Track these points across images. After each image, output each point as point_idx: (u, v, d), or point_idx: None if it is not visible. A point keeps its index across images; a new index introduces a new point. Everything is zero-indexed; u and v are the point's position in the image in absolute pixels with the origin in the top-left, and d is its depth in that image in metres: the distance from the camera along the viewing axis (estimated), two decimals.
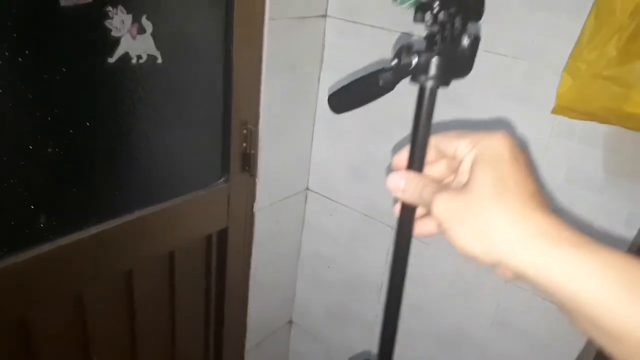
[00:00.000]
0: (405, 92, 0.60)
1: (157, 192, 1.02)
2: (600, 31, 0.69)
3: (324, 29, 1.23)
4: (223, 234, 1.19)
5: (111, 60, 0.84)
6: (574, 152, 0.94)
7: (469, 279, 1.16)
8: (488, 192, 0.37)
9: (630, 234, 0.89)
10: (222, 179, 1.13)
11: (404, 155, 0.45)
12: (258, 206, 1.25)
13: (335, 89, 0.56)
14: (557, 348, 1.06)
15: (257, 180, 1.20)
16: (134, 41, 0.86)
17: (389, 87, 0.54)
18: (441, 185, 0.41)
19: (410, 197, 0.43)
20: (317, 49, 1.24)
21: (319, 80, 1.28)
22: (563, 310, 0.36)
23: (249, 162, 1.15)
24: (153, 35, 0.89)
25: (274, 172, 1.25)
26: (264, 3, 1.04)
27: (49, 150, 0.82)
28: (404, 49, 0.51)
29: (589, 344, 0.89)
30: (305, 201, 1.43)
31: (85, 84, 0.83)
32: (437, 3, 0.45)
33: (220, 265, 1.22)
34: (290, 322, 1.60)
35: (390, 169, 0.46)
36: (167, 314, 1.16)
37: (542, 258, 0.34)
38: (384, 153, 1.23)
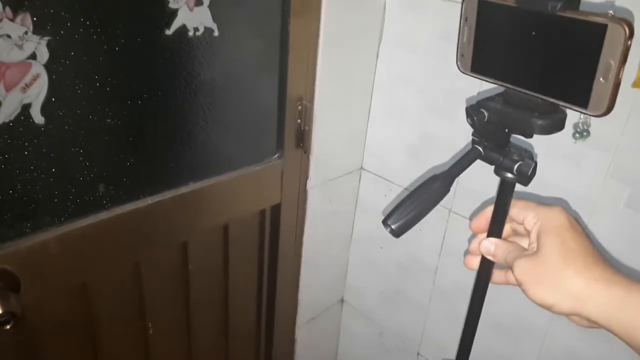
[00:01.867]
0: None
1: (212, 165, 1.03)
2: None
3: (385, 1, 1.18)
4: (276, 210, 1.19)
5: (168, 32, 0.85)
6: None
7: None
8: (556, 255, 0.48)
9: None
10: (276, 155, 1.13)
11: (481, 221, 0.60)
12: (311, 184, 1.24)
13: (390, 211, 0.56)
14: None
15: (310, 157, 1.19)
16: (191, 13, 0.86)
17: (446, 192, 0.58)
18: (520, 252, 0.53)
19: (497, 259, 0.57)
20: (376, 22, 1.20)
21: (377, 55, 1.24)
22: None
23: (303, 139, 1.14)
24: (210, 7, 0.88)
25: (328, 149, 1.24)
26: None
27: (108, 121, 0.84)
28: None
29: None
30: (359, 180, 1.40)
31: (143, 56, 0.84)
32: None
33: (273, 240, 1.23)
34: (342, 300, 1.59)
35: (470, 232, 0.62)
36: (220, 287, 1.18)
37: (602, 296, 0.45)
38: (442, 132, 1.18)
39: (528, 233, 0.54)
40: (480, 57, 0.56)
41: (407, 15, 1.16)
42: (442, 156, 1.20)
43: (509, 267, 0.53)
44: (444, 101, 1.15)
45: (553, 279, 0.47)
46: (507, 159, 0.57)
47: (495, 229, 0.59)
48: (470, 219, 0.58)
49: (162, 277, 1.04)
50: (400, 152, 1.28)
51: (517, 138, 0.58)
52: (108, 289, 0.96)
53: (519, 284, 0.51)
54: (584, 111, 0.47)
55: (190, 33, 0.88)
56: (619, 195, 0.93)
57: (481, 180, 1.12)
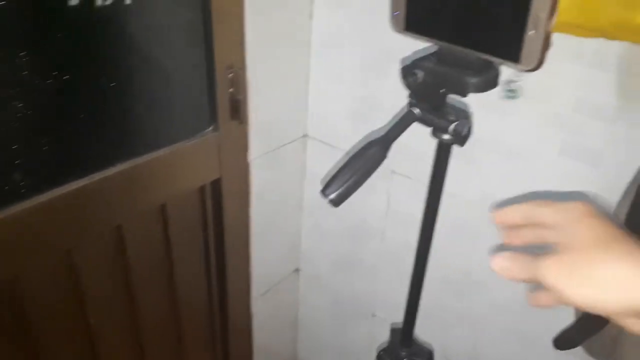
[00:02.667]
0: None
1: (141, 143, 0.98)
2: None
3: None
4: (217, 185, 1.15)
5: (72, 2, 0.78)
6: (583, 78, 0.85)
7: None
8: (591, 244, 0.41)
9: None
10: (210, 128, 1.08)
11: (511, 216, 0.48)
12: (252, 155, 1.20)
13: (327, 180, 0.54)
14: None
15: (249, 127, 1.15)
16: None
17: (383, 158, 0.55)
18: (541, 256, 0.45)
19: (518, 275, 0.45)
20: None
21: (311, 15, 1.20)
22: None
23: (238, 109, 1.09)
24: None
25: (267, 118, 1.20)
26: None
27: (18, 104, 0.78)
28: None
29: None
30: (305, 148, 1.38)
31: (47, 31, 0.77)
32: None
33: (217, 216, 1.19)
34: (297, 270, 1.59)
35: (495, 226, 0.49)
36: (165, 269, 1.14)
37: None
38: (385, 94, 1.15)
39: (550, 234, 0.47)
40: (413, 15, 0.54)
41: None
42: (386, 117, 1.18)
43: (536, 277, 0.43)
44: (385, 60, 1.12)
45: (592, 271, 0.39)
46: (443, 120, 0.56)
47: (433, 192, 0.58)
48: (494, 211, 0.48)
49: (99, 264, 0.99)
50: (344, 117, 1.26)
51: (454, 100, 0.56)
52: (40, 283, 0.91)
53: (553, 289, 0.42)
54: (516, 65, 0.46)
55: (98, 2, 0.81)
56: (553, 143, 0.94)
57: (423, 139, 1.11)
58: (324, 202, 1.40)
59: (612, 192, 0.88)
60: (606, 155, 0.88)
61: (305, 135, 1.35)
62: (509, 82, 0.87)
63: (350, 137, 1.26)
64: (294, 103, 1.28)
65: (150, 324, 1.15)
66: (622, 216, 0.64)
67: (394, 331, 0.87)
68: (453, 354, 1.28)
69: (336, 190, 0.53)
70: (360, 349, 1.52)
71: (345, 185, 0.53)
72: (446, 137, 0.55)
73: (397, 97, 1.13)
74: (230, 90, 1.07)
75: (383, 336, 1.44)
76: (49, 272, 0.92)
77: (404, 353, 0.84)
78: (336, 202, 0.54)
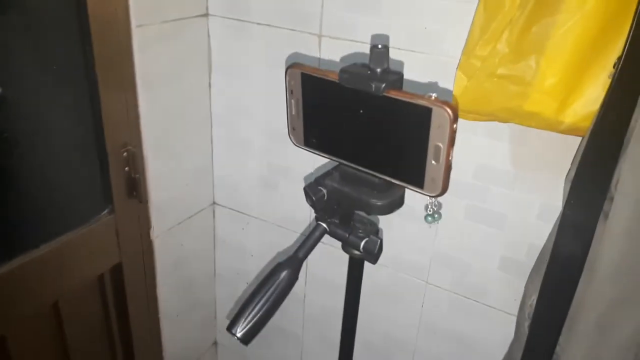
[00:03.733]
0: None
1: (24, 239, 0.87)
2: (490, 25, 0.62)
3: (208, 30, 1.10)
4: (117, 271, 1.05)
5: None
6: (480, 148, 0.88)
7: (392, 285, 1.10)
8: None
9: (544, 226, 0.85)
10: (105, 210, 0.99)
11: None
12: (156, 233, 1.12)
13: (234, 315, 0.49)
14: (483, 346, 1.03)
15: (149, 205, 1.07)
16: None
17: (294, 280, 0.52)
18: None
19: None
20: (202, 52, 1.11)
21: (210, 85, 1.16)
22: None
23: (136, 187, 1.02)
24: None
25: (169, 192, 1.13)
26: (128, 8, 0.89)
27: None
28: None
29: (516, 338, 0.85)
30: (214, 217, 1.31)
31: None
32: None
33: (120, 304, 1.09)
34: (216, 343, 1.49)
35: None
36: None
37: None
38: (291, 161, 1.13)
39: None
40: (311, 131, 0.52)
41: (232, 43, 1.09)
42: (294, 183, 1.15)
43: None
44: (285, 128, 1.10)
45: None
46: (352, 235, 0.53)
47: (350, 306, 0.55)
48: None
49: None
50: (252, 183, 1.21)
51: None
52: None
53: None
54: (420, 191, 0.44)
55: None
56: (457, 208, 0.95)
57: None
58: (237, 269, 1.35)
59: (518, 252, 0.91)
60: (508, 218, 0.91)
61: (213, 203, 1.29)
62: (426, 206, 0.87)
63: (259, 203, 1.22)
64: (198, 173, 1.22)
65: None
66: (534, 295, 0.65)
67: None
68: None
69: (245, 326, 0.48)
70: None
71: (254, 320, 0.48)
72: (357, 253, 0.53)
73: (305, 163, 1.11)
74: (126, 169, 0.99)
75: None
76: None
77: None
78: (245, 340, 0.48)
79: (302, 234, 1.19)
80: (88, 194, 0.98)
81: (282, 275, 0.48)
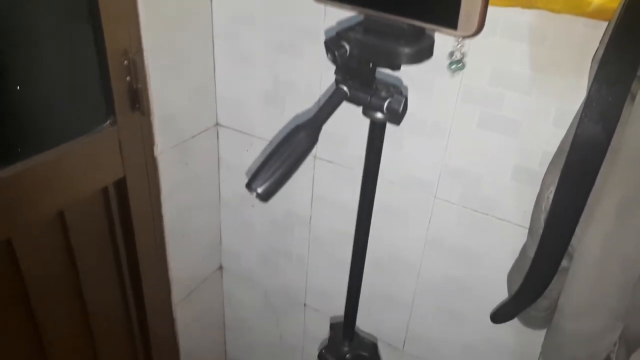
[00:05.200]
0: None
1: (26, 143, 0.85)
2: None
3: None
4: (121, 185, 1.04)
5: None
6: (498, 50, 0.85)
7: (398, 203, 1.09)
8: None
9: (559, 133, 0.83)
10: (107, 122, 0.97)
11: None
12: (159, 149, 1.10)
13: (253, 172, 0.45)
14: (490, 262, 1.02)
15: (152, 119, 1.04)
16: None
17: (314, 142, 0.48)
18: None
19: None
20: None
21: None
22: None
23: (137, 99, 0.98)
24: None
25: (172, 108, 1.10)
26: None
27: None
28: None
29: (530, 237, 0.84)
30: (217, 138, 1.29)
31: None
32: None
33: (125, 220, 1.08)
34: (221, 268, 1.50)
35: None
36: (70, 284, 1.02)
37: None
38: (298, 74, 1.09)
39: None
40: None
41: None
42: (302, 101, 1.12)
43: None
44: (298, 39, 1.06)
45: None
46: (375, 97, 0.50)
47: (369, 176, 0.53)
48: None
49: None
50: (256, 102, 1.18)
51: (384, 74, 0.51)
52: None
53: None
54: (453, 33, 0.41)
55: None
56: (471, 117, 0.93)
57: (344, 123, 1.07)
58: (242, 194, 1.33)
59: (532, 160, 0.89)
60: (523, 125, 0.89)
61: (216, 124, 1.26)
62: (451, 52, 0.83)
63: (264, 123, 1.19)
64: (201, 90, 1.18)
65: (58, 345, 1.02)
66: (552, 186, 0.63)
67: (334, 326, 0.82)
68: (386, 338, 1.27)
69: (264, 183, 0.46)
70: (293, 341, 1.47)
71: (273, 177, 0.47)
72: (379, 115, 0.50)
73: (313, 79, 1.08)
74: (127, 78, 0.96)
75: (315, 326, 1.41)
76: None
77: (346, 349, 0.79)
78: (264, 197, 0.47)
79: (311, 154, 1.16)
80: (89, 104, 0.95)
81: (301, 136, 0.46)
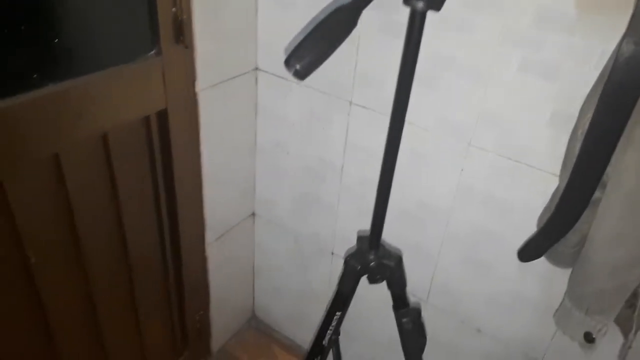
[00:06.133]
0: None
1: (75, 63, 0.89)
2: None
3: None
4: (163, 116, 1.08)
5: None
6: None
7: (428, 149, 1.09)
8: None
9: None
10: (152, 51, 1.00)
11: None
12: (200, 85, 1.13)
13: (292, 49, 0.46)
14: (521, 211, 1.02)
15: (195, 54, 1.07)
16: None
17: (353, 26, 0.49)
18: None
19: None
20: None
21: None
22: None
23: (182, 31, 1.01)
24: None
25: (214, 47, 1.12)
26: None
27: None
28: None
29: (556, 192, 0.84)
30: (256, 82, 1.31)
31: None
32: None
33: (165, 151, 1.12)
34: (253, 214, 1.54)
35: None
36: (111, 206, 1.07)
37: None
38: None
39: None
40: None
41: None
42: (346, 49, 1.12)
43: None
44: None
45: None
46: None
47: (406, 69, 0.53)
48: None
49: (35, 196, 0.91)
50: None
51: None
52: None
53: None
54: None
55: None
56: (511, 59, 0.92)
57: (382, 66, 1.08)
58: (278, 141, 1.36)
59: (571, 105, 0.88)
60: (564, 68, 0.87)
61: (256, 69, 1.29)
62: None
63: None
64: (242, 32, 1.20)
65: (96, 265, 1.08)
66: (590, 112, 0.62)
67: (360, 238, 0.85)
68: (411, 289, 1.29)
69: (302, 59, 0.47)
70: (319, 289, 1.50)
71: (312, 55, 0.48)
72: (420, 3, 0.50)
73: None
74: (173, 9, 0.98)
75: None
76: None
77: (372, 257, 0.81)
78: (302, 74, 0.48)
79: (344, 100, 1.17)
80: (136, 32, 0.98)
81: (342, 16, 0.47)
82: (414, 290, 1.28)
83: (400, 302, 0.86)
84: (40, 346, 1.05)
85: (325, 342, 0.87)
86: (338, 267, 1.41)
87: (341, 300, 0.85)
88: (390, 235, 1.24)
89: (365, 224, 1.29)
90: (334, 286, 1.46)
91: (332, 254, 1.41)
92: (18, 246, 0.91)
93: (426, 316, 1.29)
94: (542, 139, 0.94)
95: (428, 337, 1.30)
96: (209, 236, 1.38)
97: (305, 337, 1.62)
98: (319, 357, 0.89)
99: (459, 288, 1.20)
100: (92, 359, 1.20)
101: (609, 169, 0.62)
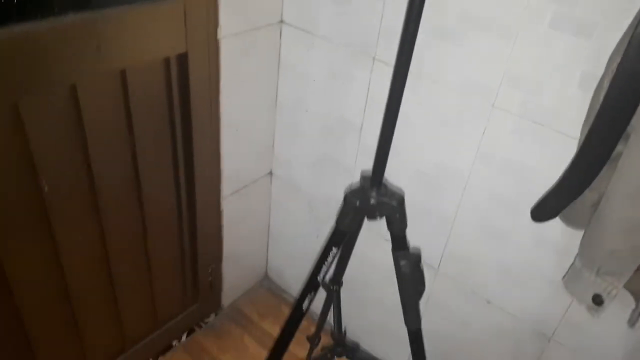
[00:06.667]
0: None
1: None
2: None
3: None
4: (183, 60, 1.07)
5: None
6: None
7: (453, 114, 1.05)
8: None
9: None
10: None
11: None
12: (223, 33, 1.12)
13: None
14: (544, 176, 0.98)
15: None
16: None
17: None
18: None
19: None
20: None
21: None
22: None
23: None
24: None
25: None
26: None
27: None
28: None
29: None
30: (280, 36, 1.29)
31: None
32: None
33: (184, 96, 1.12)
34: (271, 173, 1.54)
35: None
36: (126, 145, 1.08)
37: None
38: None
39: None
40: None
41: None
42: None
43: None
44: None
45: None
46: None
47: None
48: None
49: (51, 125, 0.92)
50: None
51: None
52: None
53: None
54: None
55: None
56: (543, 15, 0.87)
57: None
58: (298, 96, 1.34)
59: (603, 66, 0.83)
60: (599, 26, 0.82)
61: (281, 21, 1.27)
62: None
63: (328, 20, 1.18)
64: None
65: (109, 200, 1.09)
66: (619, 57, 0.58)
67: (364, 177, 0.83)
68: (423, 256, 1.26)
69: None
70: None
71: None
72: None
73: None
74: None
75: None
76: None
77: (373, 194, 0.80)
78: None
79: (369, 56, 1.14)
80: None
81: None
82: (426, 257, 1.25)
83: (399, 244, 0.84)
84: (53, 280, 1.08)
85: (320, 277, 0.86)
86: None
87: (338, 236, 0.84)
88: (406, 197, 1.21)
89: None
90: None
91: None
92: (32, 173, 0.92)
93: (436, 285, 1.27)
94: (570, 102, 0.89)
95: (437, 306, 1.29)
96: (225, 189, 1.38)
97: (315, 302, 1.62)
98: (313, 292, 0.89)
99: (472, 257, 1.17)
100: (102, 299, 1.23)
101: (634, 120, 0.58)
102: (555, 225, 0.95)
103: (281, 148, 1.47)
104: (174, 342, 1.53)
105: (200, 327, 1.59)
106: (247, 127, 1.35)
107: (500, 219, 1.08)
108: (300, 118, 1.36)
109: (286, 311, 1.68)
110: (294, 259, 1.64)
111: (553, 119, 0.93)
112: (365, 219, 0.86)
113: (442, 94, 1.05)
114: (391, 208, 0.81)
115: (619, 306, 0.75)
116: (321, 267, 0.86)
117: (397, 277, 0.85)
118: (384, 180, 0.82)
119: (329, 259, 0.86)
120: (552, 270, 1.04)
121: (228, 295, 1.64)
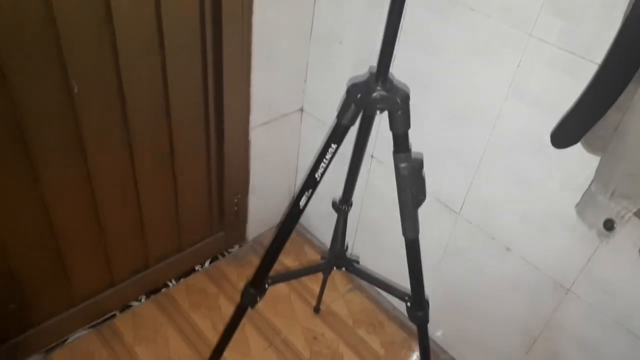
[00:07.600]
0: None
1: None
2: None
3: None
4: None
5: None
6: None
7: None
8: None
9: None
10: None
11: None
12: None
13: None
14: None
15: None
16: None
17: None
18: None
19: None
20: None
21: None
22: None
23: None
24: None
25: None
26: None
27: None
28: None
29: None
30: None
31: None
32: None
33: (216, 15, 1.12)
34: (302, 110, 1.53)
35: None
36: (157, 60, 1.09)
37: None
38: None
39: None
40: None
41: None
42: None
43: None
44: None
45: None
46: None
47: None
48: None
49: (82, 25, 0.94)
50: None
51: None
52: (15, 40, 0.87)
53: None
54: None
55: None
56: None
57: None
58: (334, 27, 1.31)
59: None
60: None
61: None
62: None
63: None
64: None
65: (138, 115, 1.12)
66: None
67: (370, 73, 0.81)
68: (444, 199, 1.23)
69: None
70: (356, 194, 1.48)
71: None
72: None
73: None
74: None
75: (378, 180, 1.40)
76: (24, 26, 0.88)
77: (376, 88, 0.77)
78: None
79: None
80: None
81: None
82: (448, 201, 1.22)
83: (400, 145, 0.81)
84: (84, 195, 1.13)
85: (318, 175, 0.85)
86: (376, 171, 1.38)
87: (339, 131, 0.82)
88: (433, 136, 1.18)
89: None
90: (371, 192, 1.43)
91: (372, 157, 1.38)
92: (62, 71, 0.95)
93: (457, 229, 1.24)
94: (613, 33, 0.83)
95: (456, 251, 1.26)
96: (254, 120, 1.39)
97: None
98: (310, 190, 0.88)
99: (495, 201, 1.13)
100: (128, 216, 1.27)
101: None
102: (583, 164, 0.90)
103: (313, 85, 1.45)
104: (197, 267, 1.58)
105: (224, 255, 1.64)
106: (279, 54, 1.33)
107: (526, 160, 1.03)
108: (334, 51, 1.34)
109: (309, 252, 1.70)
110: (320, 201, 1.64)
111: (594, 51, 0.86)
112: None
113: (479, 22, 1.00)
114: (394, 103, 0.78)
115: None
116: (319, 165, 0.85)
117: (397, 182, 0.82)
118: (389, 76, 0.79)
119: (328, 155, 0.85)
120: (577, 218, 0.99)
121: (253, 229, 1.67)
